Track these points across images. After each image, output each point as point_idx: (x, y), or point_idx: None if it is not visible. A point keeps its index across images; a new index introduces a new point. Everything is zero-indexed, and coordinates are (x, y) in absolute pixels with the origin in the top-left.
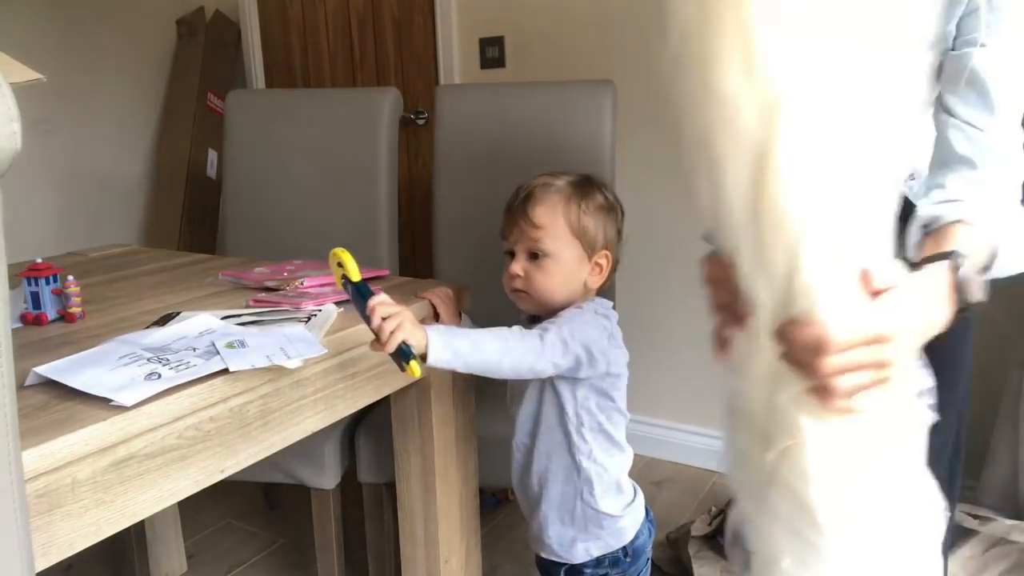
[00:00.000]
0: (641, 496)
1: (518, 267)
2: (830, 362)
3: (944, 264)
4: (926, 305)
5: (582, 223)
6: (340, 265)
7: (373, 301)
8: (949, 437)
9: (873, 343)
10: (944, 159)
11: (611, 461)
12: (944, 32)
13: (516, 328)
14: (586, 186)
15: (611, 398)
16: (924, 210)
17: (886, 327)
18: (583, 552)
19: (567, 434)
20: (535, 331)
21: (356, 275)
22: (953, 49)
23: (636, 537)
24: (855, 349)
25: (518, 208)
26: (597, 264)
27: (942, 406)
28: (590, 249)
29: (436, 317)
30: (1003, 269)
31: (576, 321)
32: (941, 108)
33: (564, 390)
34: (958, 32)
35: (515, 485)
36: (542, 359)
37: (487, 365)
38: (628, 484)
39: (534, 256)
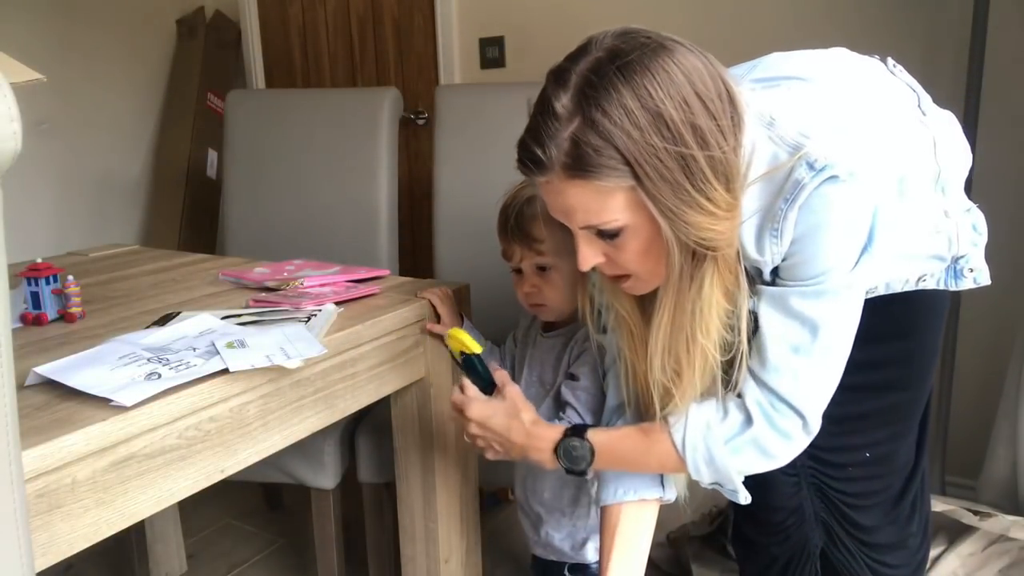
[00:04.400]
0: None
1: (529, 284)
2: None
3: (559, 430)
4: (528, 438)
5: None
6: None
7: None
8: (917, 419)
9: (456, 405)
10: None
11: None
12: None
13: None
14: None
15: None
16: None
17: (463, 406)
18: (593, 552)
19: None
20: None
21: (476, 348)
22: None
23: None
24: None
25: (513, 228)
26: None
27: (912, 399)
28: None
29: (436, 317)
30: (702, 482)
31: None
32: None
33: (580, 393)
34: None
35: (520, 490)
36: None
37: None
38: None
39: (541, 269)
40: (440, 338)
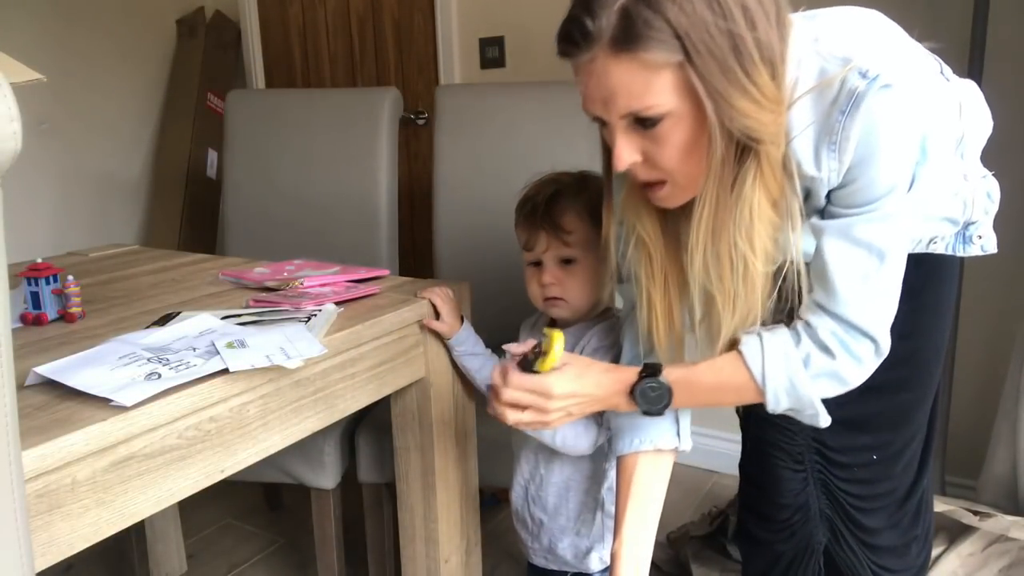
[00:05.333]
0: None
1: (551, 275)
2: (503, 393)
3: (634, 371)
4: (600, 391)
5: (603, 222)
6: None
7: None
8: (925, 422)
9: (535, 393)
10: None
11: None
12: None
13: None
14: (597, 183)
15: None
16: (744, 330)
17: (548, 388)
18: (597, 561)
19: (600, 445)
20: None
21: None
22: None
23: None
24: (521, 392)
25: (542, 217)
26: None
27: (918, 398)
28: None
29: (437, 316)
30: (798, 415)
31: None
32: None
33: None
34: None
35: (520, 497)
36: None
37: None
38: None
39: (565, 262)
40: (438, 336)
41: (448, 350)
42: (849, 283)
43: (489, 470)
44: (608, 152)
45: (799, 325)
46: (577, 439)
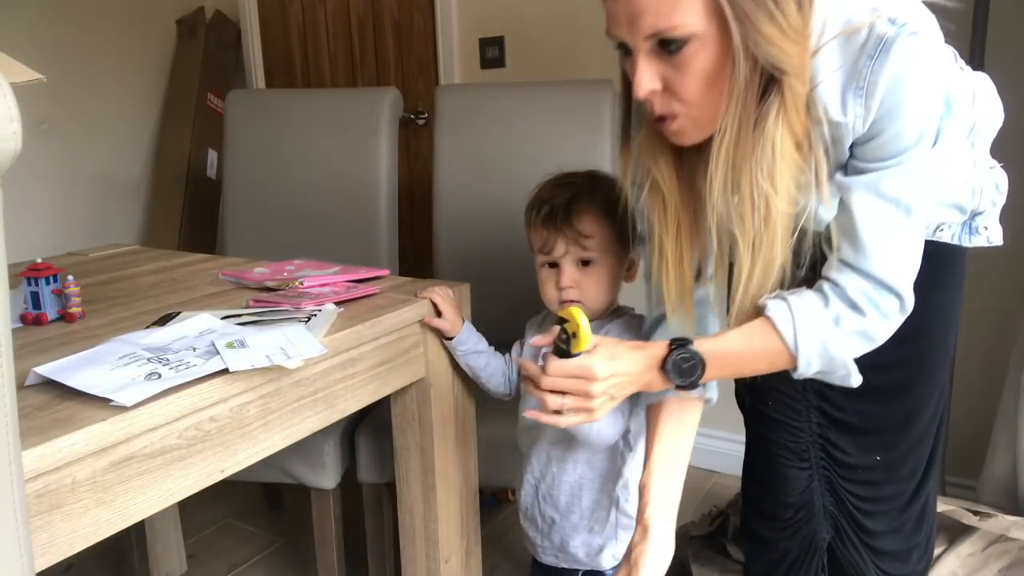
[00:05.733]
0: None
1: (570, 278)
2: (543, 381)
3: (663, 344)
4: (634, 368)
5: (623, 223)
6: (564, 326)
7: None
8: (933, 423)
9: (577, 378)
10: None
11: None
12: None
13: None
14: (611, 185)
15: None
16: (768, 296)
17: (590, 370)
18: (610, 558)
19: (617, 439)
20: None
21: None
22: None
23: None
24: (562, 379)
25: (562, 220)
26: (631, 260)
27: (924, 397)
28: (627, 248)
29: (438, 315)
30: (828, 377)
31: None
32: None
33: (629, 400)
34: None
35: (530, 496)
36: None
37: None
38: None
39: (583, 263)
40: (439, 336)
41: (449, 351)
42: (877, 238)
43: (489, 470)
44: (628, 86)
45: (825, 285)
46: (610, 427)
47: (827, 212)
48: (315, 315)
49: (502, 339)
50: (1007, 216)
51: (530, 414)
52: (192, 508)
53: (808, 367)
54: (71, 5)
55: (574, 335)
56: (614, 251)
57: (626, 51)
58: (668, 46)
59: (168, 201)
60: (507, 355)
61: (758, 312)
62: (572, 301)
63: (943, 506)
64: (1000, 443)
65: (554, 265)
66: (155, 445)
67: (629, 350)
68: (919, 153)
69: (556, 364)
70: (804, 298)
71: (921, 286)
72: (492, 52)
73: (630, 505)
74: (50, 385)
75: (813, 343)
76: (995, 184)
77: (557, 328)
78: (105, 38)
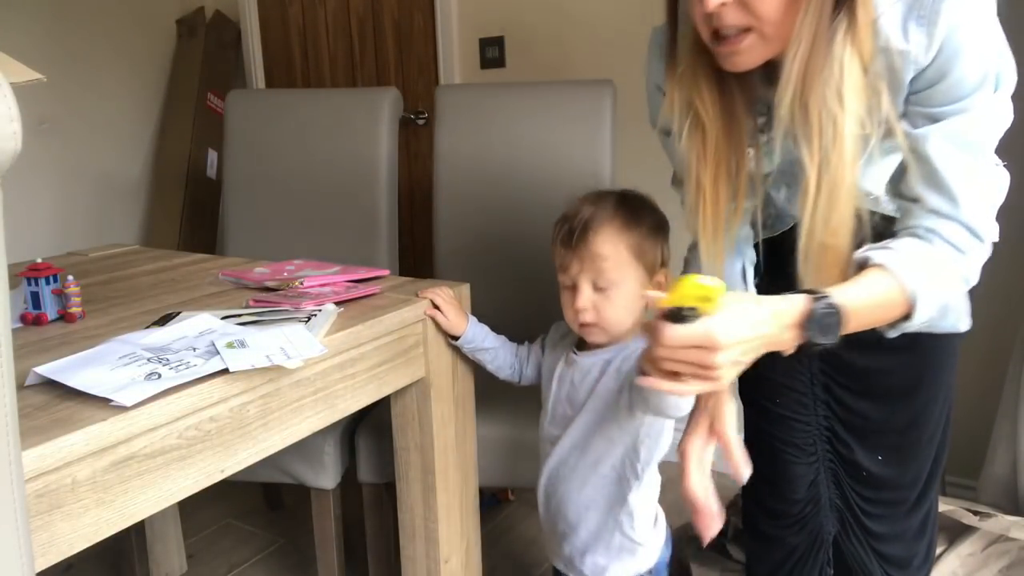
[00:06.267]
0: (663, 515)
1: (586, 300)
2: (657, 351)
3: (802, 298)
4: (769, 329)
5: (642, 247)
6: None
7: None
8: (937, 430)
9: (697, 347)
10: (926, 179)
11: (653, 492)
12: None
13: None
14: (636, 206)
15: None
16: (862, 250)
17: (712, 337)
18: None
19: (623, 467)
20: None
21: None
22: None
23: (660, 555)
24: (679, 349)
25: (578, 240)
26: (658, 283)
27: (933, 392)
28: (650, 271)
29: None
30: (936, 323)
31: None
32: (923, 122)
33: (640, 428)
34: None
35: (543, 506)
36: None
37: None
38: (658, 508)
39: (599, 286)
40: (441, 335)
41: (453, 348)
42: (963, 185)
43: (489, 470)
44: (673, 12)
45: (920, 232)
46: (688, 401)
47: (870, 177)
48: (315, 315)
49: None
50: (1008, 216)
51: (646, 381)
52: (192, 508)
53: (921, 315)
54: (71, 5)
55: (708, 299)
56: (635, 274)
57: None
58: None
59: (168, 201)
60: (519, 348)
61: (839, 258)
62: (589, 325)
63: (943, 506)
64: (1000, 443)
65: (575, 286)
66: (155, 445)
67: (760, 308)
68: (983, 97)
69: (670, 332)
70: (908, 245)
71: None
72: (492, 52)
73: (634, 531)
74: (50, 385)
75: (928, 289)
76: (998, 185)
77: (675, 278)
78: (105, 38)
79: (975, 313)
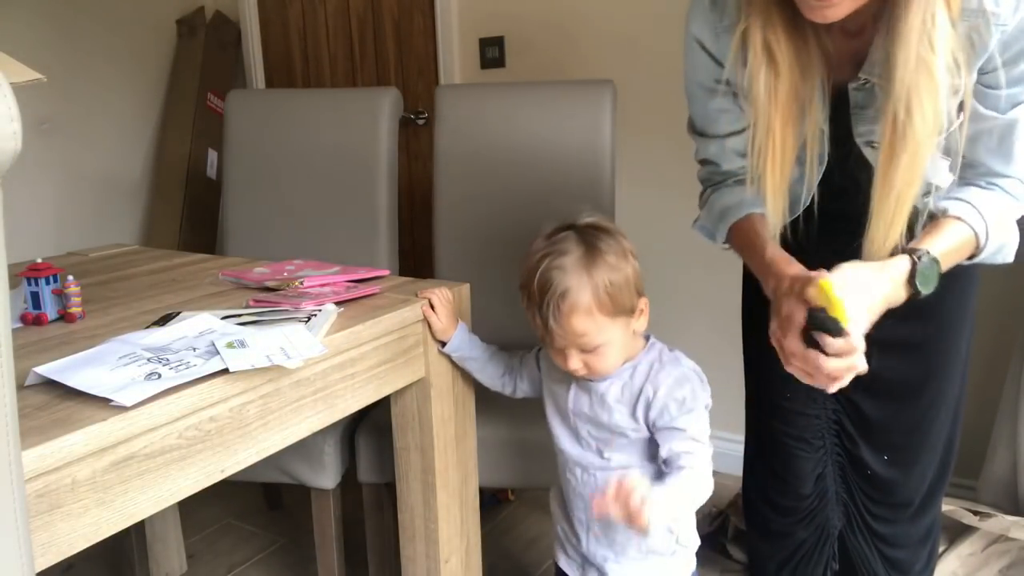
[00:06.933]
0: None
1: (576, 363)
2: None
3: (905, 258)
4: (888, 288)
5: (617, 299)
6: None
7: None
8: (942, 435)
9: (847, 356)
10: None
11: None
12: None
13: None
14: (595, 252)
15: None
16: (935, 203)
17: (857, 344)
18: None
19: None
20: (683, 464)
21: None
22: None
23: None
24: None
25: (552, 318)
26: (640, 311)
27: (938, 396)
28: (631, 312)
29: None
30: (990, 258)
31: (698, 420)
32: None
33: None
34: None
35: (560, 515)
36: (709, 478)
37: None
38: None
39: (587, 350)
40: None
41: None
42: (1021, 151)
43: (489, 470)
44: None
45: (982, 183)
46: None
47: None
48: (315, 315)
49: (503, 340)
50: None
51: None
52: (192, 508)
53: (985, 255)
54: (72, 5)
55: (833, 319)
56: (619, 325)
57: None
58: None
59: (168, 201)
60: (511, 359)
61: (905, 212)
62: (586, 378)
63: (943, 506)
64: (1000, 443)
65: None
66: (155, 445)
67: (876, 278)
68: None
69: (823, 360)
70: (975, 196)
71: (936, 290)
72: (492, 52)
73: (678, 533)
74: (50, 385)
75: (994, 233)
76: None
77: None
78: (105, 38)
79: (976, 313)
